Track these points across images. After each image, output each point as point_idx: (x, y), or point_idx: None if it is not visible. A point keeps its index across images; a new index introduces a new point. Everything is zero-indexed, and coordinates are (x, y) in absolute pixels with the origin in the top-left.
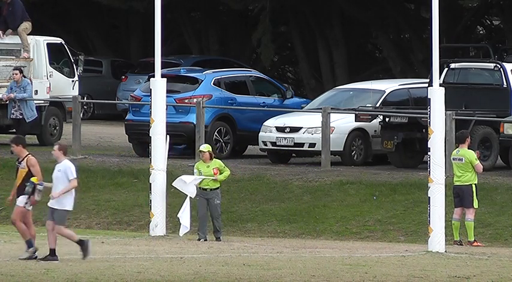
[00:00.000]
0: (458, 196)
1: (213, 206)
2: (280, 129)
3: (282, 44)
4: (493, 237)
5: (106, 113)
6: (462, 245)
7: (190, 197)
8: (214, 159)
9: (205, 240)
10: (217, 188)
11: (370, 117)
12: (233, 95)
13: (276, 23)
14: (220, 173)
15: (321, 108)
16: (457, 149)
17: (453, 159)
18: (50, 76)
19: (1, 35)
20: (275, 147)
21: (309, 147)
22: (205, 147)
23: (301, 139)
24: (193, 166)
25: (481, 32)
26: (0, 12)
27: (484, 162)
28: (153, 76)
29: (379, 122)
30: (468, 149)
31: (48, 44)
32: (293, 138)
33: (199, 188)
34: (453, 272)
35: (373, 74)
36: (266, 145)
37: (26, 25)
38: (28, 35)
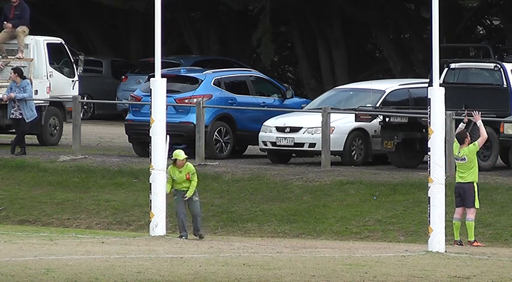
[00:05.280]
0: (459, 196)
1: (192, 204)
2: (280, 129)
3: (282, 44)
4: (493, 237)
5: (106, 113)
6: (462, 245)
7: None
8: (186, 163)
9: (186, 238)
10: None
11: (370, 117)
12: (233, 95)
13: (276, 23)
14: (191, 180)
15: (321, 108)
16: (457, 150)
17: (456, 159)
18: (50, 76)
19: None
20: (275, 147)
21: (309, 147)
22: (182, 156)
23: (301, 139)
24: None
25: (481, 32)
26: (3, 12)
27: (484, 162)
28: (153, 76)
29: (379, 122)
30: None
31: (48, 44)
32: (293, 138)
33: (176, 189)
34: (453, 272)
35: (373, 74)
36: (266, 145)
37: (24, 29)
38: (27, 35)
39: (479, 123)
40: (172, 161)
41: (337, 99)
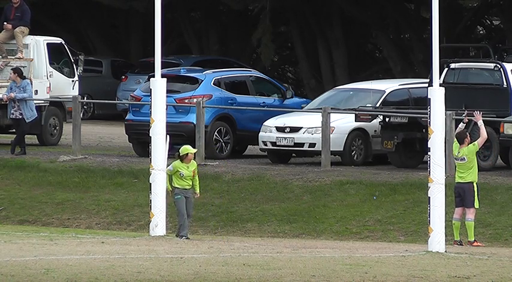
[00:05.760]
0: (459, 196)
1: (190, 203)
2: (280, 129)
3: (282, 44)
4: (493, 237)
5: (106, 113)
6: (462, 245)
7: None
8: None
9: (187, 238)
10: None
11: (370, 117)
12: (233, 95)
13: (276, 23)
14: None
15: (321, 108)
16: (457, 150)
17: (456, 159)
18: (50, 76)
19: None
20: (275, 147)
21: (309, 147)
22: (193, 149)
23: (301, 139)
24: (171, 165)
25: (481, 32)
26: (3, 12)
27: (484, 162)
28: (153, 76)
29: (379, 122)
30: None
31: (48, 44)
32: (293, 138)
33: (180, 188)
34: (453, 272)
35: (373, 74)
36: (266, 145)
37: (23, 29)
38: (26, 35)
39: (480, 123)
40: (181, 157)
41: (337, 99)
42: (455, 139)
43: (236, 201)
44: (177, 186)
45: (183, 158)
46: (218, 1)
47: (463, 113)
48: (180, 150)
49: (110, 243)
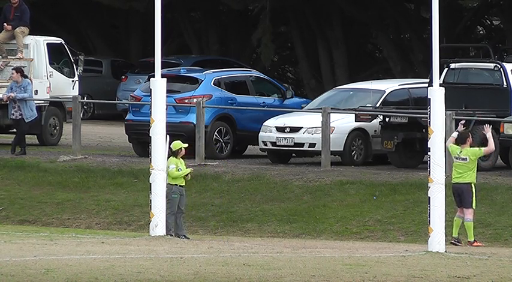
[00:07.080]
0: (458, 196)
1: (183, 201)
2: (280, 129)
3: (282, 44)
4: (493, 237)
5: (106, 113)
6: (460, 242)
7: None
8: None
9: (188, 238)
10: None
11: (370, 117)
12: (233, 95)
13: (276, 23)
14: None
15: (321, 108)
16: (459, 150)
17: (456, 158)
18: (50, 76)
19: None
20: (275, 147)
21: (309, 147)
22: (185, 144)
23: (301, 139)
24: (169, 162)
25: (481, 32)
26: (2, 12)
27: (484, 162)
28: (153, 76)
29: (379, 122)
30: (470, 147)
31: (48, 44)
32: (293, 138)
33: (177, 185)
34: (453, 272)
35: (373, 74)
36: (266, 145)
37: (24, 29)
38: (26, 35)
39: (489, 135)
40: (174, 152)
41: (337, 99)
42: (454, 140)
43: (236, 201)
44: (174, 183)
45: (176, 154)
46: (218, 1)
47: (463, 115)
48: (172, 146)
49: (110, 243)
